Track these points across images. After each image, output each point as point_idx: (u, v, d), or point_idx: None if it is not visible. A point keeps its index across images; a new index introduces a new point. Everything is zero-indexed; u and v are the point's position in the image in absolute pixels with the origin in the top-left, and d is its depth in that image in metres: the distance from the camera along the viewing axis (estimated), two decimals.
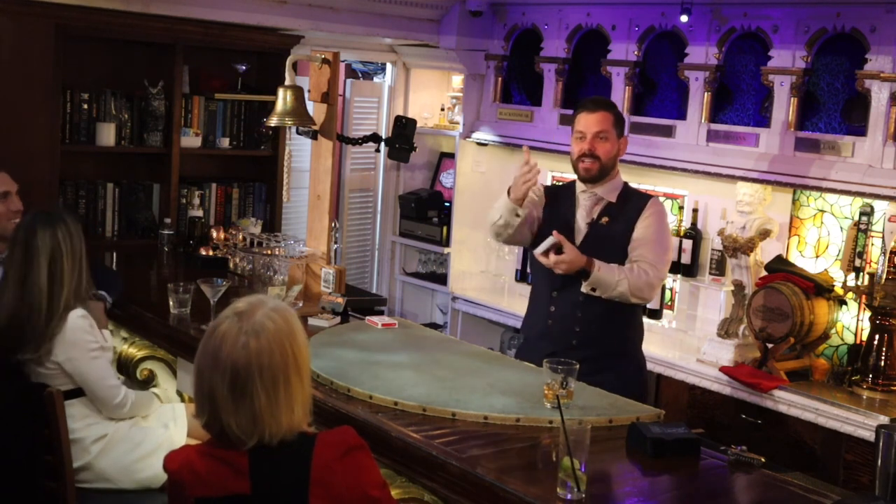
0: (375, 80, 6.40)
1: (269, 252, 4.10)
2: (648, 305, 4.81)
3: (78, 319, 3.22)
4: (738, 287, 4.43)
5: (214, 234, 4.77)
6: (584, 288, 3.42)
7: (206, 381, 2.09)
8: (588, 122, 3.53)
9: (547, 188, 3.82)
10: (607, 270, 3.42)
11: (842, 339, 4.32)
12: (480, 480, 2.39)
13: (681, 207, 4.92)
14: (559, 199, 3.68)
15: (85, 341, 3.21)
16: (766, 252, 4.44)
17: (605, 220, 3.53)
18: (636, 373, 3.64)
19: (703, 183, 4.73)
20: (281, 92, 3.93)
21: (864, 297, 4.06)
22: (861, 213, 4.16)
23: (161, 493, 3.12)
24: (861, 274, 4.10)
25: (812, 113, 4.38)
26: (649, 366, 4.39)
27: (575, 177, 3.64)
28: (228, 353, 2.06)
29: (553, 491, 2.30)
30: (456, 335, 5.65)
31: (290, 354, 2.09)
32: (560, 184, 4.26)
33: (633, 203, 3.56)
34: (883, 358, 3.96)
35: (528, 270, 4.92)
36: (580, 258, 3.39)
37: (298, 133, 4.19)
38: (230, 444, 2.09)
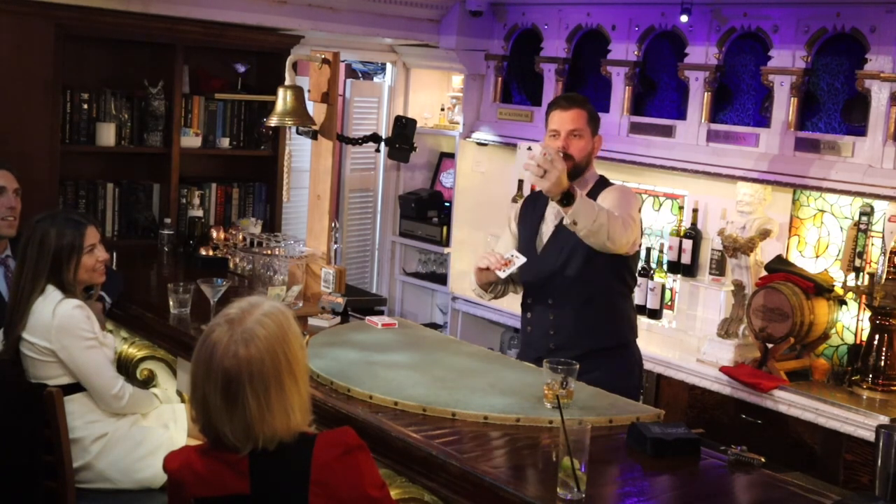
0: (375, 80, 6.40)
1: (269, 252, 4.10)
2: (648, 305, 4.81)
3: (74, 309, 3.24)
4: (738, 287, 4.43)
5: (214, 234, 4.77)
6: (567, 219, 3.20)
7: (200, 390, 2.09)
8: (562, 119, 3.47)
9: (525, 200, 3.76)
10: (588, 202, 3.23)
11: (842, 339, 4.32)
12: (480, 480, 2.39)
13: (681, 207, 4.92)
14: (533, 206, 3.64)
15: (80, 329, 3.23)
16: (766, 252, 4.44)
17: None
18: (626, 370, 3.54)
19: (703, 183, 4.73)
20: (281, 92, 3.93)
21: (864, 297, 4.06)
22: (861, 213, 4.16)
23: (161, 493, 3.13)
24: (861, 274, 4.10)
25: (812, 113, 4.38)
26: (649, 366, 4.40)
27: None
28: (219, 362, 2.05)
29: (553, 491, 2.30)
30: (456, 335, 5.65)
31: (283, 360, 2.08)
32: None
33: (598, 194, 3.46)
34: (883, 358, 3.96)
35: None
36: (565, 179, 3.16)
37: (298, 133, 4.18)
38: (227, 449, 2.09)
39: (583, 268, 3.44)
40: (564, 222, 3.27)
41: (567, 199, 3.18)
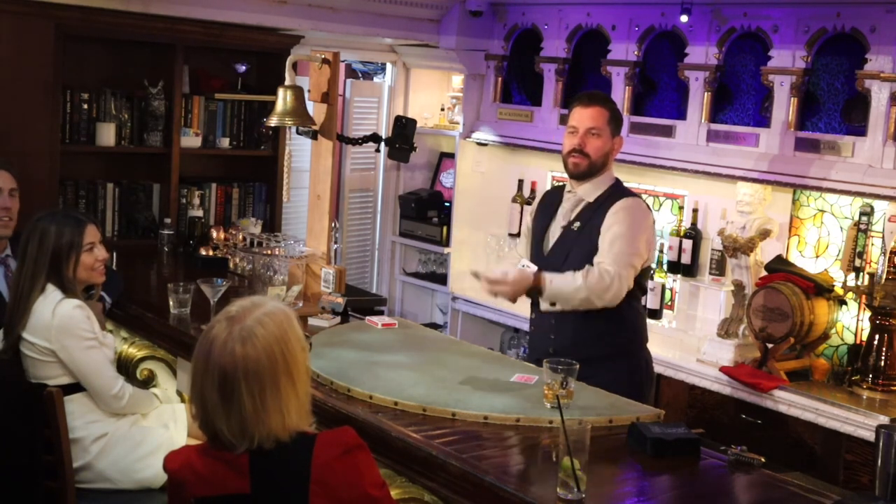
0: (375, 80, 6.40)
1: (269, 252, 4.10)
2: (648, 305, 4.81)
3: (74, 309, 3.24)
4: (738, 287, 4.43)
5: (214, 234, 4.77)
6: (544, 304, 3.35)
7: (199, 385, 2.10)
8: (581, 116, 3.45)
9: (542, 197, 3.78)
10: (561, 282, 3.29)
11: (842, 339, 4.32)
12: (480, 480, 2.39)
13: (681, 207, 4.92)
14: (547, 205, 3.64)
15: (80, 329, 3.22)
16: (766, 252, 4.44)
17: (576, 224, 3.45)
18: (628, 376, 3.47)
19: (703, 183, 4.73)
20: (281, 92, 3.93)
21: (864, 297, 4.06)
22: (861, 213, 4.16)
23: (161, 493, 3.13)
24: (861, 274, 4.10)
25: (812, 113, 4.38)
26: None
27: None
28: (217, 358, 2.06)
29: (553, 491, 2.30)
30: (456, 335, 5.65)
31: (280, 360, 2.08)
32: (558, 184, 4.18)
33: (607, 203, 3.43)
34: (883, 358, 3.96)
35: None
36: (522, 283, 3.28)
37: (298, 133, 4.18)
38: (225, 447, 2.09)
39: None
40: (541, 306, 3.36)
41: (539, 291, 3.28)
